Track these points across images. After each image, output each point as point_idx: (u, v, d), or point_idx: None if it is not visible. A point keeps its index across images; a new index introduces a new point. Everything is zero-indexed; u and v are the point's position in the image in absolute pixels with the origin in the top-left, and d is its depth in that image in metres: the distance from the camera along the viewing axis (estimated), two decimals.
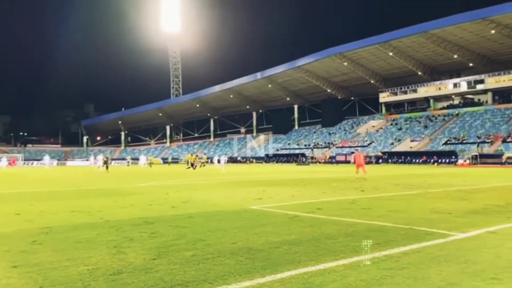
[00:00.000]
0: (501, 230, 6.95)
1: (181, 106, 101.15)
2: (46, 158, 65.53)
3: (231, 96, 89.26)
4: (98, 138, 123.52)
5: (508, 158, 46.17)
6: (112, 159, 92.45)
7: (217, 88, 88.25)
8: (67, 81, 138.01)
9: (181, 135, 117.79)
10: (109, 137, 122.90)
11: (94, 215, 9.17)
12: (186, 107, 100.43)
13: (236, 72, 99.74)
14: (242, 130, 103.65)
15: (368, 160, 56.68)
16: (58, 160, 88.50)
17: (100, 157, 42.17)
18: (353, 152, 62.41)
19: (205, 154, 62.56)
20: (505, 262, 4.92)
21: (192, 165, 38.93)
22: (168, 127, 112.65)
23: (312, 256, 5.22)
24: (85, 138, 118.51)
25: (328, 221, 8.12)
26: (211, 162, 51.37)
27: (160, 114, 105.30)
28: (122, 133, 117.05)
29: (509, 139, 51.68)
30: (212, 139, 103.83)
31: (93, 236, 6.68)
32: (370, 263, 4.92)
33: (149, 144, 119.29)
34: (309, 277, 4.40)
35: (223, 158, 38.89)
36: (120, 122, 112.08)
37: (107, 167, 39.55)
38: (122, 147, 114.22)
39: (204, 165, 43.68)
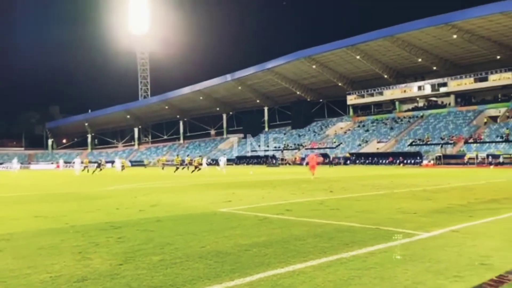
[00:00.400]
0: (463, 229, 7.18)
1: (149, 108, 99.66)
2: (15, 161, 62.31)
3: (201, 97, 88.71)
4: (64, 140, 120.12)
5: (470, 158, 47.87)
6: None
7: (186, 89, 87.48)
8: (31, 82, 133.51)
9: (150, 137, 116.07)
10: (75, 139, 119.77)
11: (59, 220, 8.91)
12: (155, 109, 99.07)
13: (205, 73, 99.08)
14: (212, 132, 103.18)
15: (337, 161, 57.66)
16: (22, 163, 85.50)
17: (78, 160, 39.68)
18: (320, 154, 63.51)
19: (188, 155, 60.91)
20: (467, 260, 5.08)
21: (195, 167, 37.01)
22: (136, 129, 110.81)
23: (281, 258, 5.23)
24: (50, 141, 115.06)
25: (297, 222, 8.17)
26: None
27: (128, 116, 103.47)
28: (89, 136, 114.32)
29: (470, 140, 53.59)
30: (181, 141, 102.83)
31: (57, 242, 6.47)
32: (338, 263, 4.98)
33: (117, 147, 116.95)
34: (278, 279, 4.41)
35: (223, 159, 37.82)
36: (86, 124, 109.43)
37: (100, 169, 38.53)
38: (89, 150, 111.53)
39: (183, 168, 42.17)
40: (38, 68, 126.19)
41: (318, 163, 29.09)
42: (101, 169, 38.74)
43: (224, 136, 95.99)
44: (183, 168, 39.65)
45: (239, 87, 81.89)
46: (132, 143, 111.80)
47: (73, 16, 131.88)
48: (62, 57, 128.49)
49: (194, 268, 4.87)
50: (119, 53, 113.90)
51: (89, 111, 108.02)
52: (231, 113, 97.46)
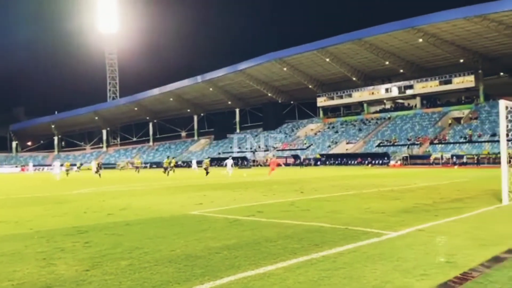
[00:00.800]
0: (429, 228, 7.36)
1: (118, 110, 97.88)
2: None
3: (171, 99, 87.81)
4: (29, 143, 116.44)
5: (435, 159, 49.28)
6: (45, 165, 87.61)
7: (156, 91, 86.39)
8: None
9: (119, 139, 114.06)
10: (41, 142, 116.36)
11: (23, 225, 8.61)
12: (124, 110, 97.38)
13: (176, 74, 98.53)
14: (183, 134, 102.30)
15: (307, 162, 58.31)
16: None
17: (57, 164, 36.06)
18: (294, 155, 64.01)
19: (173, 158, 58.13)
20: (433, 258, 5.21)
21: (205, 169, 34.01)
22: (104, 131, 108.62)
23: (252, 260, 5.22)
24: (14, 143, 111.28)
25: (268, 224, 8.18)
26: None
27: (96, 118, 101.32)
28: (56, 138, 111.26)
29: (436, 141, 55.18)
30: (151, 143, 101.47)
31: (20, 248, 6.25)
32: (309, 264, 5.01)
33: (85, 149, 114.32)
34: (248, 281, 4.40)
35: (230, 162, 35.53)
36: (53, 126, 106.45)
37: (100, 174, 35.65)
38: (56, 152, 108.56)
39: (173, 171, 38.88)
40: (1, 69, 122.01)
41: (278, 165, 34.43)
42: (100, 174, 36.10)
43: (195, 138, 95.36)
44: (170, 171, 36.45)
45: (210, 89, 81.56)
46: (101, 145, 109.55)
47: (39, 14, 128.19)
48: (26, 57, 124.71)
49: (164, 272, 4.80)
50: (87, 53, 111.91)
51: (56, 112, 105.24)
52: (202, 114, 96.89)
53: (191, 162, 42.71)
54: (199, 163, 49.52)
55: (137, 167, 51.17)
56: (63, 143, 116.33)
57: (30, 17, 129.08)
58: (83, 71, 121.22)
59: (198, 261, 5.28)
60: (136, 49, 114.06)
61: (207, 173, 32.63)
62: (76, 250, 6.05)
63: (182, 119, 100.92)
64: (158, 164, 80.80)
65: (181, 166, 71.60)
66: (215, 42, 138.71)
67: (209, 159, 41.62)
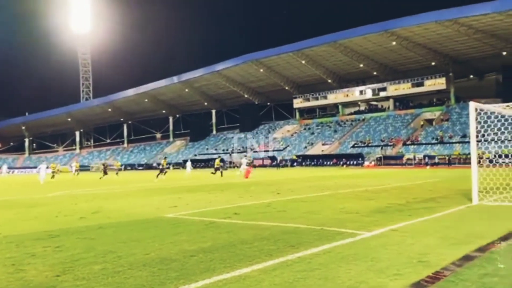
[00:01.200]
0: (402, 228, 7.49)
1: (91, 111, 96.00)
2: None
3: (146, 100, 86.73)
4: None
5: (408, 159, 50.28)
6: (15, 168, 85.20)
7: (130, 91, 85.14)
8: None
9: (92, 141, 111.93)
10: (11, 144, 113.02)
11: None
12: (97, 111, 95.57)
13: (151, 75, 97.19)
14: (158, 135, 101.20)
15: (284, 164, 58.64)
16: None
17: (43, 166, 33.78)
18: (271, 156, 64.22)
19: (165, 158, 56.11)
20: (406, 258, 5.29)
21: (216, 169, 32.81)
22: (77, 133, 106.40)
23: (228, 263, 5.19)
24: None
25: (244, 226, 8.16)
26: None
27: (69, 119, 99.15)
28: (26, 140, 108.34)
29: (408, 142, 56.31)
30: (125, 145, 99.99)
31: None
32: (284, 266, 5.01)
33: (57, 151, 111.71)
34: (224, 284, 4.37)
35: (244, 161, 34.22)
36: (23, 127, 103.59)
37: (105, 173, 34.51)
38: (26, 155, 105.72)
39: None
40: None
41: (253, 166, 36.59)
42: (106, 173, 34.89)
43: (171, 139, 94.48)
44: (165, 173, 32.22)
45: (186, 90, 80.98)
46: (74, 147, 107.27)
47: (9, 14, 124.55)
48: None
49: (138, 277, 4.72)
50: (60, 53, 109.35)
51: (27, 113, 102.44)
52: (177, 116, 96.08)
53: (185, 163, 40.92)
54: (176, 165, 49.03)
55: (118, 169, 50.05)
56: (34, 145, 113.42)
57: (0, 17, 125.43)
58: (56, 72, 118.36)
59: (173, 264, 5.21)
60: (110, 49, 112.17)
61: (221, 173, 31.56)
62: (46, 255, 5.89)
63: (157, 121, 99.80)
64: (133, 166, 79.80)
65: (155, 168, 70.71)
66: (191, 42, 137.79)
67: (220, 158, 37.80)
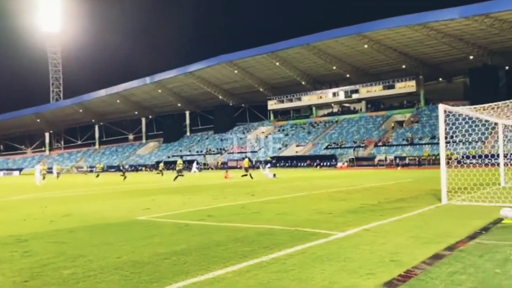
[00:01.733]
0: (374, 228, 7.61)
1: (62, 112, 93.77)
2: None
3: (118, 101, 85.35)
4: None
5: (380, 160, 51.24)
6: None
7: (102, 92, 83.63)
8: None
9: (62, 142, 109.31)
10: None
11: None
12: (68, 112, 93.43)
13: (123, 75, 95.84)
14: (131, 137, 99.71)
15: (258, 165, 58.65)
16: None
17: (39, 167, 31.92)
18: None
19: (181, 157, 53.63)
20: (379, 257, 5.37)
21: (246, 170, 29.49)
22: (47, 134, 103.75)
23: (201, 265, 5.15)
24: None
25: (218, 227, 8.12)
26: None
27: (38, 120, 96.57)
28: None
29: (380, 144, 57.36)
30: (97, 146, 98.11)
31: None
32: (259, 267, 5.01)
33: (25, 153, 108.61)
34: (198, 287, 4.33)
35: (267, 166, 32.37)
36: None
37: (125, 176, 32.44)
38: None
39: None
40: None
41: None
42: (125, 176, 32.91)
43: (143, 141, 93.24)
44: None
45: (159, 90, 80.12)
46: (43, 148, 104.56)
47: None
48: None
49: (109, 281, 4.62)
50: (29, 53, 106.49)
51: None
52: (150, 117, 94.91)
53: (191, 164, 40.10)
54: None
55: (99, 172, 48.98)
56: (1, 146, 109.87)
57: None
58: (24, 71, 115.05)
59: (146, 267, 5.14)
60: (81, 49, 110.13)
61: (250, 175, 27.55)
62: (14, 260, 5.70)
63: (129, 122, 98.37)
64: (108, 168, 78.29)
65: (128, 170, 69.64)
66: (164, 42, 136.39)
67: (247, 158, 33.71)
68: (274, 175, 29.28)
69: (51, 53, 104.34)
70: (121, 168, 31.50)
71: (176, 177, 26.46)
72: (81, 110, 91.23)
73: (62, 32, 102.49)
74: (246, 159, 31.88)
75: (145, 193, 18.35)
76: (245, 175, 28.41)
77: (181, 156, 64.77)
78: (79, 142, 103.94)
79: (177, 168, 28.52)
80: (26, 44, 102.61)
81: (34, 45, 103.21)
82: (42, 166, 31.87)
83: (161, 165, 41.14)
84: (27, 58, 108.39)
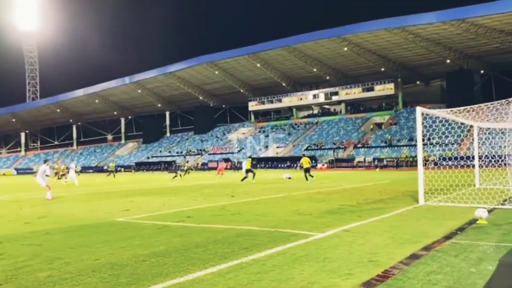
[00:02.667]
0: (354, 228, 7.70)
1: (38, 111, 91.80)
2: None
3: (97, 101, 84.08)
4: None
5: (359, 162, 51.82)
6: None
7: (80, 92, 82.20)
8: None
9: (39, 142, 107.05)
10: None
11: None
12: (45, 112, 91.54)
13: (102, 75, 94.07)
14: (109, 137, 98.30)
15: (239, 166, 58.62)
16: None
17: (44, 167, 30.09)
18: (225, 159, 64.11)
19: (187, 161, 51.22)
20: (357, 257, 5.44)
21: (247, 172, 25.57)
22: (23, 134, 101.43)
23: (181, 267, 5.12)
24: None
25: (198, 229, 8.08)
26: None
27: (14, 120, 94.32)
28: None
29: (359, 145, 58.03)
30: (75, 147, 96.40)
31: None
32: (238, 268, 5.01)
33: (0, 153, 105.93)
34: None
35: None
36: None
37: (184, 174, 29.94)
38: None
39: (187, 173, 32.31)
40: None
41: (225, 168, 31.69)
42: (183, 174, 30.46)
43: (122, 141, 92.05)
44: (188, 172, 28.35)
45: (139, 91, 79.27)
46: (18, 149, 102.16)
47: None
48: None
49: (87, 283, 4.55)
50: (4, 50, 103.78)
51: None
52: (130, 117, 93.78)
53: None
54: (127, 168, 47.74)
55: (79, 172, 48.23)
56: None
57: None
58: None
59: (124, 269, 5.07)
60: (59, 48, 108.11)
61: (254, 175, 24.77)
62: None
63: (108, 122, 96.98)
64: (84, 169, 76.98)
65: (106, 171, 68.56)
66: (144, 42, 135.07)
67: (250, 158, 28.30)
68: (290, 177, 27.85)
69: (28, 52, 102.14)
70: (108, 168, 31.18)
71: (175, 177, 25.95)
72: (58, 110, 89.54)
73: (39, 30, 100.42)
74: (249, 160, 26.56)
75: (123, 194, 18.12)
76: (245, 177, 24.75)
77: (185, 156, 63.54)
78: (56, 143, 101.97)
79: (185, 168, 27.11)
80: (1, 42, 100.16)
81: (9, 43, 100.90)
82: (59, 166, 31.63)
83: (112, 164, 38.38)
84: (2, 57, 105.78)
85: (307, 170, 23.35)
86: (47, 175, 16.92)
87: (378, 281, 4.44)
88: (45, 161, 18.00)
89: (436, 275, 4.61)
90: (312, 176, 23.47)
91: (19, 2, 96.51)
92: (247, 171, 25.05)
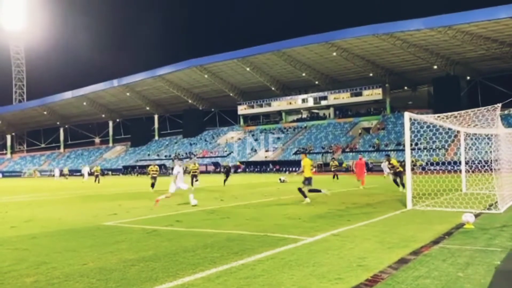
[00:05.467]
0: (343, 232, 7.72)
1: (25, 114, 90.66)
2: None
3: (84, 103, 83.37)
4: None
5: (347, 165, 52.03)
6: None
7: (68, 94, 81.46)
8: None
9: (25, 145, 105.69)
10: None
11: None
12: (32, 114, 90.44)
13: (90, 77, 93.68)
14: (97, 140, 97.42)
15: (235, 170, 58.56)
16: None
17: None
18: (214, 163, 63.93)
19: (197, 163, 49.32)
20: (347, 262, 5.45)
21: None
22: (9, 137, 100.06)
23: (170, 272, 5.08)
24: None
25: (187, 233, 8.04)
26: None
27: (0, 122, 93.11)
28: None
29: (347, 149, 58.34)
30: (62, 149, 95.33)
31: None
32: (228, 273, 4.99)
33: None
34: None
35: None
36: None
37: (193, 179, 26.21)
38: None
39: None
40: None
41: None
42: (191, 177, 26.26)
43: (110, 144, 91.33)
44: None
45: (127, 93, 78.81)
46: (4, 151, 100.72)
47: None
48: None
49: None
50: None
51: None
52: (118, 120, 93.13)
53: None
54: (114, 171, 47.40)
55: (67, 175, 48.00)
56: None
57: None
58: None
59: (113, 274, 5.02)
60: (46, 49, 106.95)
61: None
62: None
63: (96, 125, 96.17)
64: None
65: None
66: (133, 44, 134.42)
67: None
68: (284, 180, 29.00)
69: (14, 53, 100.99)
70: (93, 172, 30.94)
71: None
72: (45, 112, 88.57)
73: (26, 30, 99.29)
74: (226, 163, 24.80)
75: (111, 198, 17.95)
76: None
77: (181, 159, 62.92)
78: (43, 145, 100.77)
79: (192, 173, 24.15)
80: None
81: None
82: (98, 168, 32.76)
83: (97, 168, 36.62)
84: None
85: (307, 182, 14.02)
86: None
87: (367, 285, 4.46)
88: (179, 159, 16.72)
89: (425, 279, 4.65)
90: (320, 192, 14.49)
91: (6, 2, 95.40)
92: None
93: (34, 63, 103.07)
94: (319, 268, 5.15)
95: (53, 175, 55.13)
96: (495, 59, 53.87)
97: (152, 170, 23.03)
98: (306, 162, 14.37)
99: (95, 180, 34.58)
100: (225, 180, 25.98)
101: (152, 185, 22.23)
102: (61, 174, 53.52)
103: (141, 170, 67.46)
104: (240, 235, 7.59)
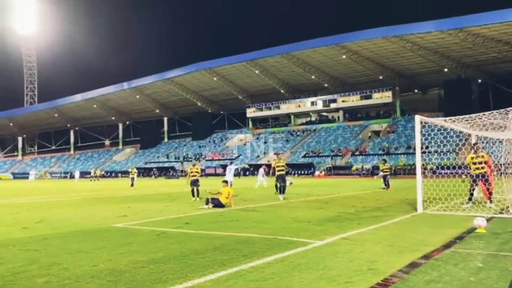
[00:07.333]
0: (353, 236, 7.68)
1: (36, 116, 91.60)
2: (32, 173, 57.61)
3: (95, 106, 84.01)
4: None
5: (356, 169, 51.81)
6: None
7: (78, 97, 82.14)
8: None
9: (36, 147, 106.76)
10: None
11: None
12: (43, 116, 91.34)
13: (100, 80, 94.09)
14: (107, 142, 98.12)
15: (236, 173, 58.58)
16: None
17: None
18: (223, 165, 63.98)
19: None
20: (357, 266, 5.42)
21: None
22: (20, 139, 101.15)
23: (180, 274, 5.09)
24: None
25: (196, 235, 8.06)
26: None
27: (11, 124, 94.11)
28: None
29: (357, 153, 58.08)
30: (72, 152, 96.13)
31: None
32: (238, 276, 4.99)
33: None
34: None
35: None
36: None
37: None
38: None
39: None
40: None
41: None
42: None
43: (120, 147, 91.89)
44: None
45: (137, 96, 79.27)
46: (16, 153, 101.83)
47: None
48: None
49: None
50: (2, 55, 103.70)
51: None
52: (127, 122, 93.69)
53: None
54: (124, 173, 47.57)
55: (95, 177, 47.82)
56: None
57: None
58: None
59: (123, 276, 5.05)
60: (58, 52, 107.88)
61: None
62: None
63: (106, 127, 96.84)
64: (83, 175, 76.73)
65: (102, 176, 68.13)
66: (143, 47, 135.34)
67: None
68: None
69: (26, 56, 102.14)
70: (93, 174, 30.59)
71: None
72: (56, 115, 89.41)
73: (37, 35, 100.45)
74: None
75: (120, 200, 18.06)
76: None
77: (182, 162, 63.03)
78: (53, 147, 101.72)
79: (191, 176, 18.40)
80: (0, 46, 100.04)
81: (8, 48, 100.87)
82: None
83: (97, 170, 35.78)
84: (1, 61, 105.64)
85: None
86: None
87: None
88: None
89: (436, 283, 4.61)
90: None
91: (18, 6, 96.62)
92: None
93: (45, 66, 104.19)
94: (328, 272, 5.13)
95: (73, 177, 56.94)
96: (507, 62, 53.30)
97: (192, 172, 17.37)
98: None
99: (131, 185, 30.23)
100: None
101: (193, 192, 16.97)
102: (93, 176, 53.65)
103: (160, 172, 67.57)
104: (249, 238, 7.58)
